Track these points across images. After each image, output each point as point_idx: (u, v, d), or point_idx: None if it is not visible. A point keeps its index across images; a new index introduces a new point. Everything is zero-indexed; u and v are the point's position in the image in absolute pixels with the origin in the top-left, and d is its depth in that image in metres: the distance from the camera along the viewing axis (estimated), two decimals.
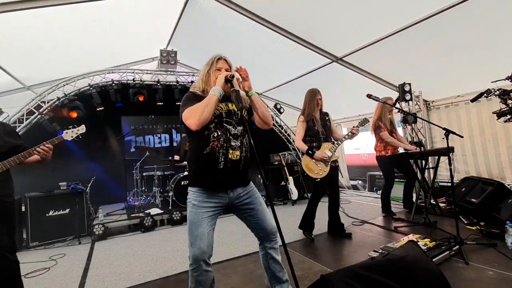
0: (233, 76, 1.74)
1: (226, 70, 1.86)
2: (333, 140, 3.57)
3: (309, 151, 3.36)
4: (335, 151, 3.43)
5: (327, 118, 3.62)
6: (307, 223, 3.57)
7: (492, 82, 3.23)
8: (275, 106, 6.96)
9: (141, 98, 5.84)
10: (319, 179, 3.37)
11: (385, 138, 4.30)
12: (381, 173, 4.90)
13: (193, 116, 1.64)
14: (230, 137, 1.77)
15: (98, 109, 5.72)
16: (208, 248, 1.68)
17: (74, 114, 5.34)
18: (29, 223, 3.95)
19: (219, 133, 1.75)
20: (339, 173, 4.89)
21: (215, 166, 1.73)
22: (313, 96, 3.52)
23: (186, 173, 5.27)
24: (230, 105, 1.85)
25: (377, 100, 3.53)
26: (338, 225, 3.64)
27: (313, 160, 3.36)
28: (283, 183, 6.04)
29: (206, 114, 1.63)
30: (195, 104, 1.70)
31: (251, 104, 1.88)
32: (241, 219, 1.94)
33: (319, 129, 3.46)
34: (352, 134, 3.38)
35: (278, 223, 1.63)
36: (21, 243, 3.88)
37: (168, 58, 5.70)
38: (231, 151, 1.75)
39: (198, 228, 1.69)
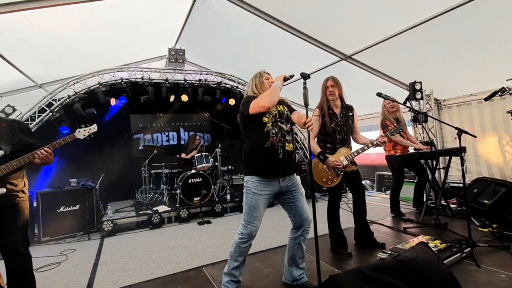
0: (292, 76, 2.13)
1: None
2: (353, 140, 3.03)
3: (320, 156, 2.80)
4: (352, 160, 2.88)
5: (350, 114, 2.98)
6: (336, 240, 3.00)
7: (507, 80, 3.15)
8: None
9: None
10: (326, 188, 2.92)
11: (392, 137, 4.20)
12: (390, 173, 4.82)
13: (264, 100, 2.00)
14: (284, 132, 2.14)
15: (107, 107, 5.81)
16: (259, 226, 2.12)
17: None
18: (40, 218, 4.03)
19: (276, 130, 2.11)
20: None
21: (276, 156, 2.07)
22: (323, 84, 2.96)
23: (193, 171, 5.30)
24: (279, 107, 2.23)
25: (387, 99, 3.42)
26: (367, 234, 3.12)
27: (324, 166, 2.85)
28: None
29: (274, 97, 2.03)
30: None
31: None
32: (283, 205, 2.25)
33: (336, 128, 2.88)
34: (377, 144, 2.87)
35: (315, 215, 1.92)
36: (33, 238, 3.96)
37: (176, 56, 5.73)
38: (287, 144, 2.12)
39: (256, 211, 2.08)
